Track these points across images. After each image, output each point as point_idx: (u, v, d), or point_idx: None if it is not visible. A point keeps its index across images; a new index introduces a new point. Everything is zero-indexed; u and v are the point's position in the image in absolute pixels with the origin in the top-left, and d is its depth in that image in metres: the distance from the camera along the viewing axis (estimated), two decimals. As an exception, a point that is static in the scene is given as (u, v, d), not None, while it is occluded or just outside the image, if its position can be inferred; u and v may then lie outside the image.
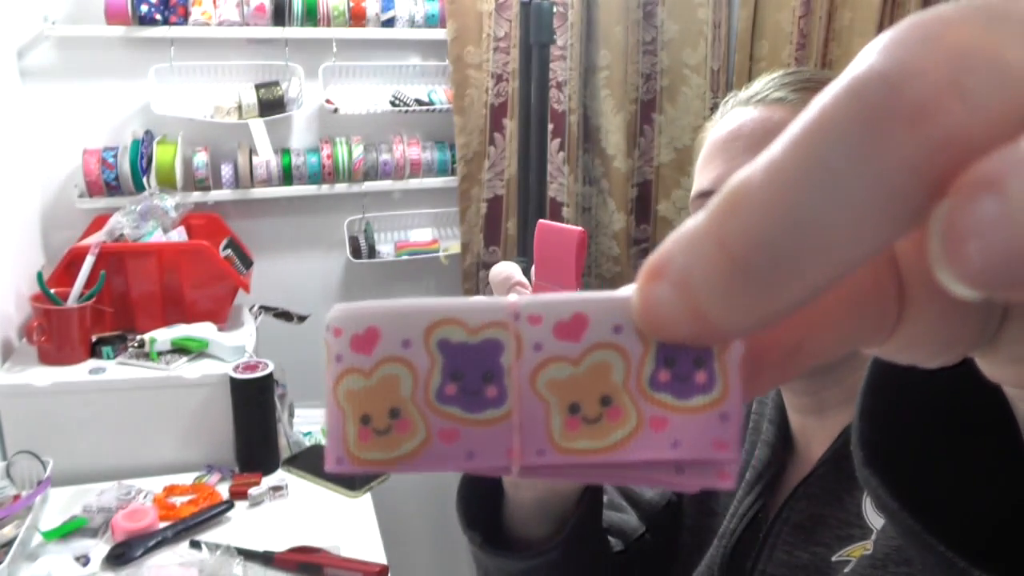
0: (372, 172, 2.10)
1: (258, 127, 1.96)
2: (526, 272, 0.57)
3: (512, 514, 0.69)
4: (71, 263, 1.65)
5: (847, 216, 0.15)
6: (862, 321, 0.19)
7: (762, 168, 0.15)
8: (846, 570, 0.60)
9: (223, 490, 1.48)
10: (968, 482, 0.25)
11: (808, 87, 0.66)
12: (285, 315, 1.96)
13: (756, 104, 0.66)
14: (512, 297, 0.20)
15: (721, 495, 0.77)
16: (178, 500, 1.43)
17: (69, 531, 1.33)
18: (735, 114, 0.67)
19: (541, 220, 0.54)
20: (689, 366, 0.19)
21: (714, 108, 2.21)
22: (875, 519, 0.61)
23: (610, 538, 0.82)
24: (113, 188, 1.88)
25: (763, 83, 0.68)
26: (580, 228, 0.51)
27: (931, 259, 0.15)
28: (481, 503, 0.70)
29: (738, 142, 0.65)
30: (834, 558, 0.63)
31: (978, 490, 0.25)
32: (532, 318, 0.19)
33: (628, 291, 0.19)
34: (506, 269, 0.56)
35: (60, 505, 1.40)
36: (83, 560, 1.27)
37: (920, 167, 0.14)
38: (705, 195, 0.67)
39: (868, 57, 0.15)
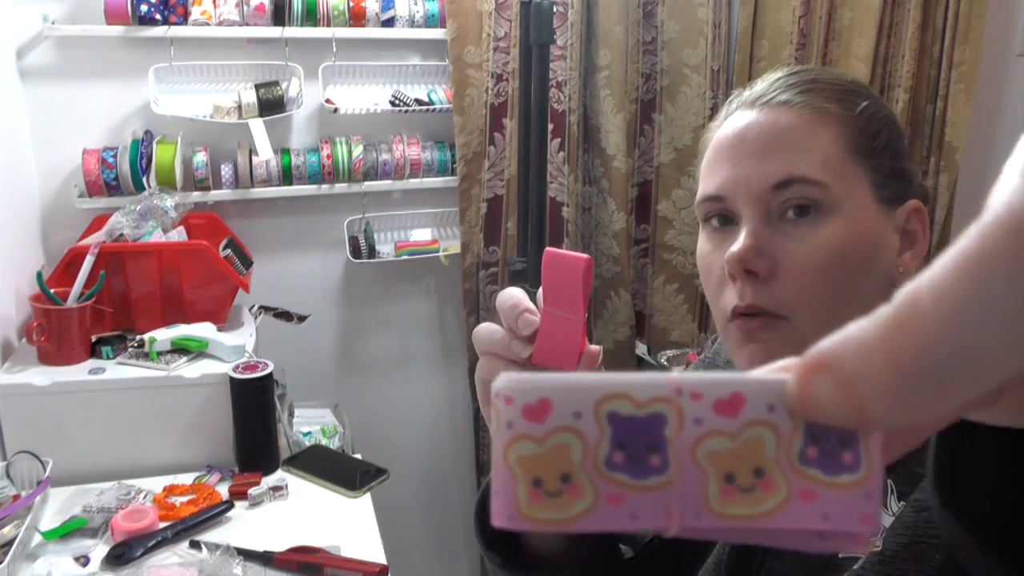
0: (372, 172, 2.10)
1: (258, 127, 1.95)
2: (530, 286, 0.57)
3: (529, 534, 0.69)
4: (71, 263, 1.65)
5: (1005, 339, 0.16)
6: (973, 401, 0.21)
7: (929, 291, 0.17)
8: (855, 566, 0.60)
9: (223, 490, 1.48)
10: None
11: (814, 88, 0.66)
12: (285, 315, 1.95)
13: (761, 107, 0.65)
14: (675, 374, 0.22)
15: None
16: (178, 500, 1.43)
17: (69, 531, 1.33)
18: (739, 117, 0.66)
19: (548, 248, 0.53)
20: (836, 446, 0.22)
21: (714, 108, 2.22)
22: (888, 520, 0.61)
23: (621, 546, 0.83)
24: (113, 188, 1.88)
25: (768, 84, 0.67)
26: (587, 255, 0.51)
27: None
28: None
29: (744, 146, 0.64)
30: (842, 554, 0.63)
31: None
32: (694, 395, 0.22)
33: (782, 375, 0.22)
34: (513, 296, 0.55)
35: (60, 505, 1.40)
36: (83, 560, 1.27)
37: None
38: (711, 200, 0.66)
39: (1019, 189, 0.16)
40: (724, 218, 0.66)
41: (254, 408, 1.54)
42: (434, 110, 2.11)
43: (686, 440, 0.21)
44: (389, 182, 2.13)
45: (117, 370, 1.56)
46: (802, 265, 0.62)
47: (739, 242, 0.63)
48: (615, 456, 0.22)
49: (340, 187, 2.08)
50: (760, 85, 0.68)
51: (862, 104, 0.65)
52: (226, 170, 1.98)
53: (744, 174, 0.64)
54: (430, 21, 2.06)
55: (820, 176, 0.62)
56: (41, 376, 1.52)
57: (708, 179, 0.67)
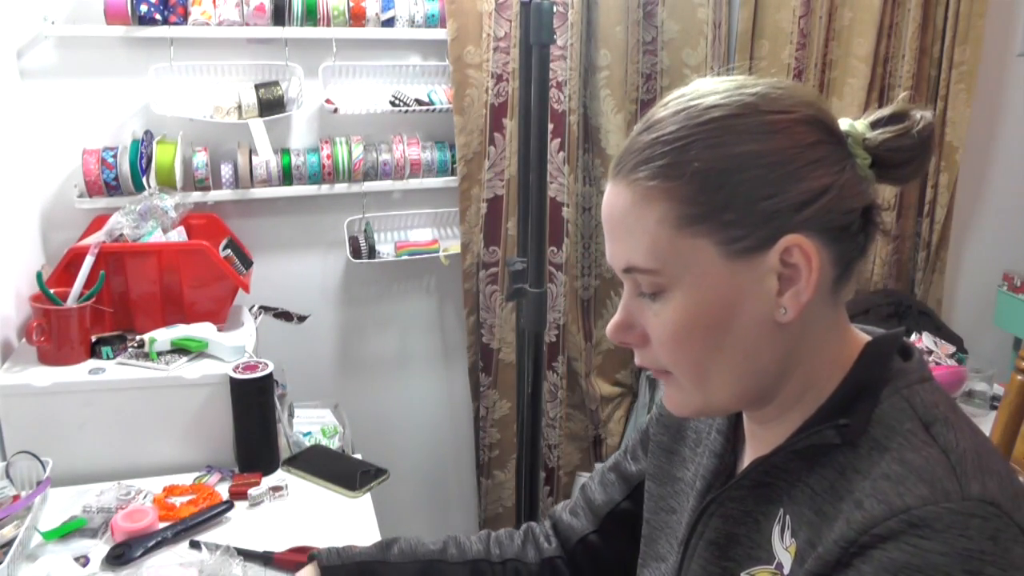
0: (372, 172, 2.10)
1: (258, 127, 1.96)
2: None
3: None
4: (71, 263, 1.65)
5: None
6: None
7: None
8: None
9: (223, 490, 1.48)
10: None
11: (647, 156, 0.63)
12: (285, 315, 1.95)
13: (613, 179, 0.66)
14: None
15: (680, 493, 0.81)
16: (178, 500, 1.43)
17: (69, 531, 1.33)
18: (608, 187, 0.67)
19: None
20: None
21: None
22: (781, 551, 0.64)
23: (551, 543, 0.94)
24: (113, 188, 1.88)
25: (626, 144, 0.66)
26: None
27: None
28: None
29: (605, 226, 0.68)
30: (742, 574, 0.67)
31: None
32: None
33: None
34: None
35: (60, 505, 1.40)
36: (83, 560, 1.27)
37: None
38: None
39: None
40: None
41: (254, 408, 1.54)
42: (434, 110, 2.11)
43: None
44: (389, 182, 2.13)
45: (117, 370, 1.56)
46: (659, 338, 0.65)
47: (615, 316, 0.68)
48: None
49: (340, 187, 2.08)
50: (625, 142, 0.67)
51: (692, 166, 0.61)
52: (226, 170, 1.98)
53: (609, 254, 0.68)
54: (430, 21, 2.06)
55: (649, 264, 0.63)
56: (41, 376, 1.52)
57: None
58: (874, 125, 0.64)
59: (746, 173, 0.60)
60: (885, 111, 0.65)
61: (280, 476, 1.55)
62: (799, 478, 0.64)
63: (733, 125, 0.61)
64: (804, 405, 0.66)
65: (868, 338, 0.68)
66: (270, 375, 1.54)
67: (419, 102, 2.09)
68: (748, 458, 0.73)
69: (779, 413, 0.68)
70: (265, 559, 1.28)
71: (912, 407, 0.62)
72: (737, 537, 0.68)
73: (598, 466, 0.96)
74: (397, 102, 2.07)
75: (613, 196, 0.66)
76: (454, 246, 2.23)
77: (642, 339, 0.67)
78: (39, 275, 1.58)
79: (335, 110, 2.01)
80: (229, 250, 1.82)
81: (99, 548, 1.31)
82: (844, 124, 0.64)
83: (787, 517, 0.64)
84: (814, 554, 0.59)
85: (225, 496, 1.46)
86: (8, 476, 1.39)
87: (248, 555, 1.28)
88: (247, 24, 1.92)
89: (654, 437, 0.86)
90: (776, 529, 0.65)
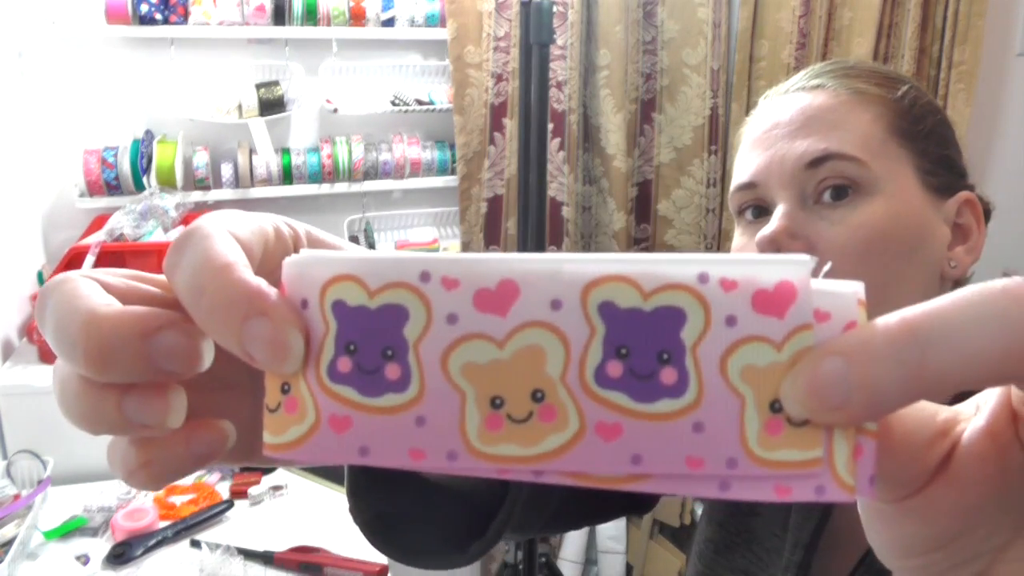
0: (372, 172, 2.10)
1: (258, 126, 1.96)
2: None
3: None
4: (71, 263, 1.65)
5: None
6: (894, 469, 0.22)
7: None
8: None
9: (223, 489, 1.48)
10: None
11: (851, 72, 0.62)
12: (285, 315, 1.95)
13: (796, 92, 0.63)
14: (422, 253, 0.16)
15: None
16: (178, 499, 1.43)
17: (69, 530, 1.33)
18: (772, 103, 0.64)
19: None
20: (652, 360, 0.15)
21: (714, 108, 2.22)
22: None
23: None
24: (113, 188, 1.88)
25: (802, 73, 0.65)
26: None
27: None
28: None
29: (777, 130, 0.61)
30: None
31: None
32: (447, 281, 0.15)
33: (573, 257, 0.16)
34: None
35: (60, 504, 1.40)
36: (83, 559, 1.27)
37: None
38: (744, 188, 0.62)
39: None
40: (758, 209, 0.63)
41: (254, 407, 1.54)
42: (434, 110, 2.11)
43: (435, 345, 0.15)
44: (389, 182, 2.13)
45: (117, 369, 1.56)
46: (840, 248, 0.56)
47: (771, 224, 0.58)
48: (340, 363, 0.15)
49: (340, 187, 2.08)
50: (795, 78, 0.65)
51: (903, 88, 0.62)
52: (226, 170, 1.98)
53: (777, 156, 0.60)
54: (430, 21, 2.06)
55: (858, 153, 0.57)
56: (42, 375, 1.52)
57: (743, 167, 0.64)
58: None
59: (941, 118, 0.62)
60: None
61: (280, 475, 1.56)
62: None
63: (920, 88, 0.64)
64: None
65: None
66: (270, 374, 1.54)
67: (419, 102, 2.09)
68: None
69: None
70: (265, 558, 1.29)
71: None
72: None
73: None
74: (397, 102, 2.08)
75: (806, 98, 0.61)
76: (454, 245, 2.23)
77: (805, 252, 0.57)
78: (40, 274, 1.58)
79: (335, 110, 2.01)
80: (229, 250, 1.82)
81: (100, 547, 1.31)
82: None
83: None
84: None
85: (225, 495, 1.46)
86: (9, 475, 1.39)
87: (248, 554, 1.28)
88: (247, 24, 1.92)
89: None
90: None
